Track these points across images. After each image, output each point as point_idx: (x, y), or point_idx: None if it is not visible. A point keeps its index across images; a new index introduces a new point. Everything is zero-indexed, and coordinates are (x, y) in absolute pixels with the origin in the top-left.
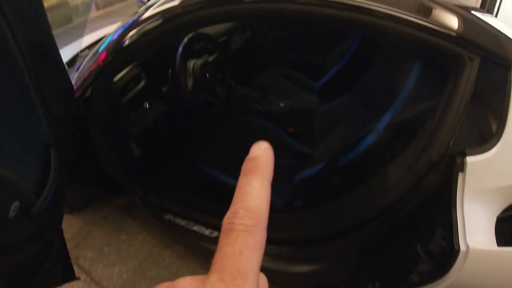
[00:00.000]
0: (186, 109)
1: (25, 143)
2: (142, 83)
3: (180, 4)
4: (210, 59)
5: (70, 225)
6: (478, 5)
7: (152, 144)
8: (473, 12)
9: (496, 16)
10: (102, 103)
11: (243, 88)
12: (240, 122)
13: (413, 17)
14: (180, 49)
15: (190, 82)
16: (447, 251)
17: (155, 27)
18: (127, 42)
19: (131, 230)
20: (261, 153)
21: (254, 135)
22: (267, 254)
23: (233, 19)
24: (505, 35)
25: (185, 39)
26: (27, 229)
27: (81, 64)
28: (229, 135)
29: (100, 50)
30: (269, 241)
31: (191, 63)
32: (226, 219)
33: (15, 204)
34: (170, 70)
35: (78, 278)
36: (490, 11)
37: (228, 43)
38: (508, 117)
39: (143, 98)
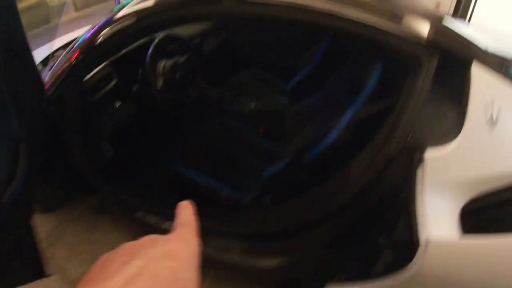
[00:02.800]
0: (156, 108)
1: None
2: (112, 83)
3: (154, 4)
4: (181, 60)
5: (43, 225)
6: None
7: (123, 143)
8: (443, 18)
9: (469, 21)
10: (73, 101)
11: (215, 89)
12: (211, 122)
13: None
14: (151, 49)
15: (159, 82)
16: (408, 244)
17: (128, 26)
18: (99, 40)
19: (103, 229)
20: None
21: (225, 135)
22: (236, 249)
23: (207, 19)
24: (465, 37)
25: (156, 40)
26: None
27: (54, 64)
28: (200, 134)
29: (73, 49)
30: (237, 236)
31: (162, 64)
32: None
33: None
34: (140, 70)
35: (49, 275)
36: (463, 16)
37: (201, 45)
38: (467, 113)
39: (113, 97)
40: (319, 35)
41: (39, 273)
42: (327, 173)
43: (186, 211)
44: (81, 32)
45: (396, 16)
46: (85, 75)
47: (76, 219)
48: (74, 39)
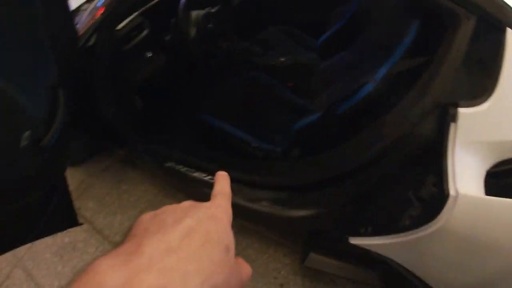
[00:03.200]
0: (188, 59)
1: (35, 80)
2: (145, 32)
3: None
4: (213, 10)
5: (71, 178)
6: None
7: (153, 94)
8: None
9: None
10: (105, 51)
11: (245, 43)
12: (241, 75)
13: None
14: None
15: (192, 32)
16: (437, 197)
17: None
18: None
19: (132, 180)
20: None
21: (255, 88)
22: (266, 199)
23: None
24: (503, 1)
25: None
26: (36, 163)
27: (81, 17)
28: (231, 86)
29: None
30: (268, 186)
31: (194, 14)
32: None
33: (27, 133)
34: (173, 20)
35: (81, 224)
36: None
37: None
38: (500, 75)
39: (145, 47)
40: None
41: (71, 222)
42: (358, 127)
43: (223, 181)
44: None
45: None
46: (117, 25)
47: (103, 172)
48: None
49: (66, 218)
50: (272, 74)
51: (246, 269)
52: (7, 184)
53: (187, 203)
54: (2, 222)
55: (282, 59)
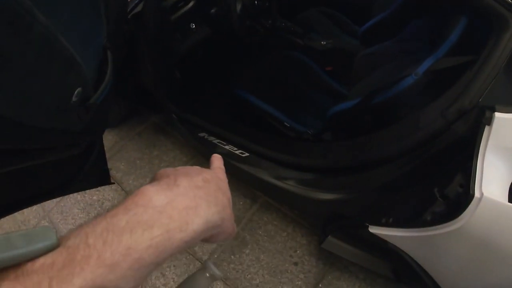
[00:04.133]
0: (231, 33)
1: (87, 39)
2: (191, 4)
3: None
4: None
5: (105, 140)
6: None
7: (194, 65)
8: None
9: None
10: (152, 19)
11: (287, 22)
12: (281, 54)
13: None
14: None
15: (238, 7)
16: (462, 196)
17: None
18: None
19: (164, 147)
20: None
21: (293, 68)
22: (293, 178)
23: None
24: None
25: None
26: (82, 119)
27: None
28: (269, 64)
29: None
30: (297, 166)
31: None
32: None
33: (78, 90)
34: None
35: (112, 183)
36: None
37: None
38: None
39: (190, 18)
40: None
41: (103, 180)
42: (393, 118)
43: (218, 161)
44: None
45: None
46: None
47: (136, 137)
48: None
49: (99, 177)
50: (311, 56)
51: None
52: (54, 135)
53: (196, 167)
54: (40, 173)
55: (323, 42)
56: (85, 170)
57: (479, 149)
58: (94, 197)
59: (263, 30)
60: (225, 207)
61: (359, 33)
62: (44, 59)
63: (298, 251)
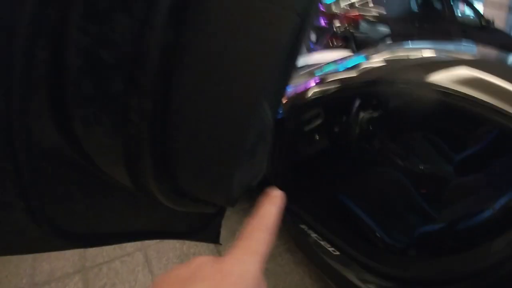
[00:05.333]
0: (346, 149)
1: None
2: (320, 121)
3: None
4: (375, 115)
5: None
6: None
7: (308, 165)
8: None
9: None
10: (291, 127)
11: (392, 143)
12: (382, 170)
13: None
14: (357, 103)
15: (357, 130)
16: None
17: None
18: (311, 96)
19: None
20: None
21: (391, 185)
22: (376, 284)
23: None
24: None
25: (363, 98)
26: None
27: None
28: (370, 178)
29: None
30: (381, 274)
31: (361, 115)
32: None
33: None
34: (344, 117)
35: (220, 244)
36: None
37: (391, 104)
38: None
39: (317, 131)
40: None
41: (214, 238)
42: (473, 244)
43: (271, 206)
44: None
45: None
46: (305, 112)
47: (241, 212)
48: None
49: (214, 233)
50: (409, 177)
51: None
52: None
53: (198, 263)
54: (167, 219)
55: (422, 167)
56: (211, 225)
57: None
58: (191, 250)
59: (372, 150)
60: None
61: (454, 161)
62: None
63: None
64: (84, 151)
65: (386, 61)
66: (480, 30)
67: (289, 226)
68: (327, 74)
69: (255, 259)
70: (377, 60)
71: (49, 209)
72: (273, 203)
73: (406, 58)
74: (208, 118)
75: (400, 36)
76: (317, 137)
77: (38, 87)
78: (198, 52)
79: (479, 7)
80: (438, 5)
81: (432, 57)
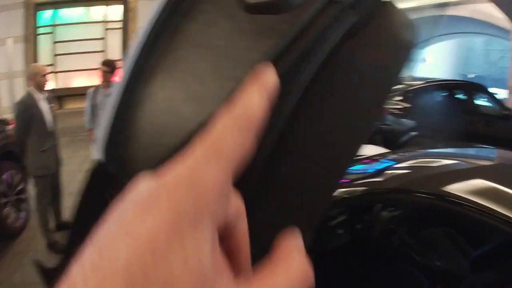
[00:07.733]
0: (365, 246)
1: None
2: (344, 217)
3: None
4: (396, 213)
5: None
6: None
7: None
8: None
9: None
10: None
11: (411, 239)
12: (399, 265)
13: None
14: (380, 206)
15: (378, 229)
16: None
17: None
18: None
19: None
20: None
21: (407, 279)
22: None
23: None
24: None
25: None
26: None
27: None
28: (388, 270)
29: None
30: None
31: (383, 215)
32: None
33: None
34: (366, 215)
35: None
36: None
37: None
38: None
39: (340, 226)
40: None
41: None
42: None
43: (253, 94)
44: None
45: None
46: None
47: None
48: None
49: None
50: (425, 272)
51: None
52: None
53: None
54: None
55: (438, 263)
56: None
57: None
58: None
59: (390, 248)
60: None
61: (472, 257)
62: None
63: None
64: None
65: (411, 167)
66: (503, 119)
67: None
68: (355, 173)
69: (221, 166)
70: (403, 165)
71: None
72: (259, 89)
73: (427, 166)
74: None
75: (425, 129)
76: (340, 231)
77: None
78: None
79: (503, 93)
80: (461, 96)
81: (451, 164)
